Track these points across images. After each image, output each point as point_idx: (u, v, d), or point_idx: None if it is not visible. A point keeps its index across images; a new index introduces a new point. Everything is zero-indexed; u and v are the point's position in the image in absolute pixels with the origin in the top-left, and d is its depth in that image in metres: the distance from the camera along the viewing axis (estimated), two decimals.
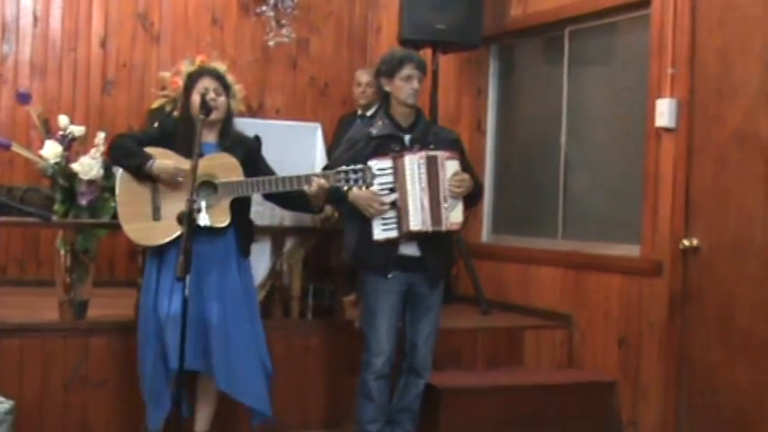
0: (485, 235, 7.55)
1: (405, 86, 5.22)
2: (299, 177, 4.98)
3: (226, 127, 5.09)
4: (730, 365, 5.28)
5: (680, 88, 5.63)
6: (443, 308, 5.96)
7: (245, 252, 5.11)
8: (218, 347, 4.86)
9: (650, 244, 5.81)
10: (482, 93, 7.59)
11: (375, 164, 5.05)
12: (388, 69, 5.28)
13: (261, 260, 5.80)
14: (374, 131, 5.26)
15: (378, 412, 5.29)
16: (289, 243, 5.90)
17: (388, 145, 5.18)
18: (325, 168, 5.20)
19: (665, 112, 5.66)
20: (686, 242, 5.51)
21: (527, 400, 5.85)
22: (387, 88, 5.29)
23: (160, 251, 4.95)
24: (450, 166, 5.20)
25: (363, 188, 4.97)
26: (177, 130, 5.03)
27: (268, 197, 5.25)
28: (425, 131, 5.30)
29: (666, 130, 5.69)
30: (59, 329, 5.38)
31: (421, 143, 5.21)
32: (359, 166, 4.92)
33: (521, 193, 7.31)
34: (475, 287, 7.00)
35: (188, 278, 4.22)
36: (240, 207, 5.01)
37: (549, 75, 7.04)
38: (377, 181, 4.99)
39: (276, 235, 5.84)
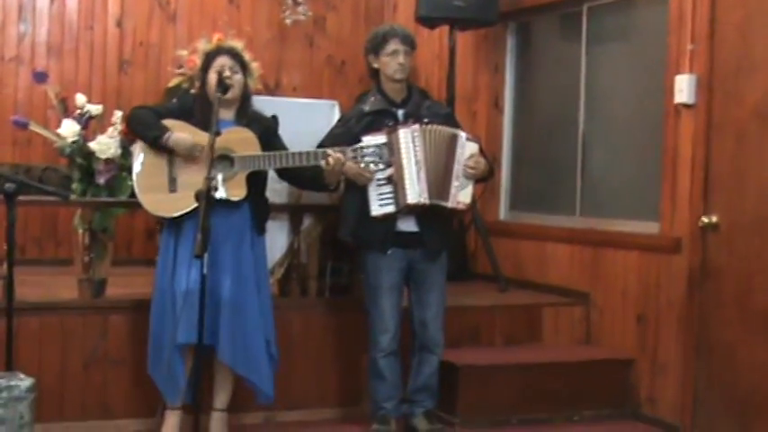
0: (502, 212, 7.53)
1: (391, 62, 5.24)
2: (315, 152, 5.00)
3: (243, 105, 5.10)
4: (749, 343, 5.25)
5: (699, 64, 5.60)
6: (461, 285, 5.98)
7: (259, 229, 5.12)
8: (226, 321, 4.87)
9: (669, 221, 5.79)
10: (499, 70, 7.56)
11: (369, 139, 5.05)
12: (373, 46, 5.31)
13: (278, 238, 5.81)
14: (366, 108, 5.28)
15: (391, 390, 5.32)
16: (306, 221, 5.90)
17: (382, 120, 5.20)
18: (318, 146, 5.19)
19: (684, 88, 5.63)
20: (705, 219, 5.48)
21: (545, 378, 5.87)
22: (375, 65, 5.33)
23: (177, 225, 4.97)
24: (470, 148, 5.21)
25: (380, 165, 4.99)
26: (194, 108, 5.05)
27: (282, 175, 5.25)
28: (418, 105, 5.31)
29: (685, 106, 5.67)
30: (78, 308, 5.40)
31: (415, 118, 5.22)
32: (377, 143, 4.94)
33: (538, 170, 7.29)
34: (492, 265, 6.99)
35: (206, 256, 4.23)
36: (256, 183, 5.02)
37: (567, 51, 7.01)
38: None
39: (294, 213, 5.84)
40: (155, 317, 5.01)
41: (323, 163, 4.96)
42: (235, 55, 5.09)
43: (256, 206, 5.06)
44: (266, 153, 4.97)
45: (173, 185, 4.94)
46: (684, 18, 5.70)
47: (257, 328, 5.01)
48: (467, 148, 5.19)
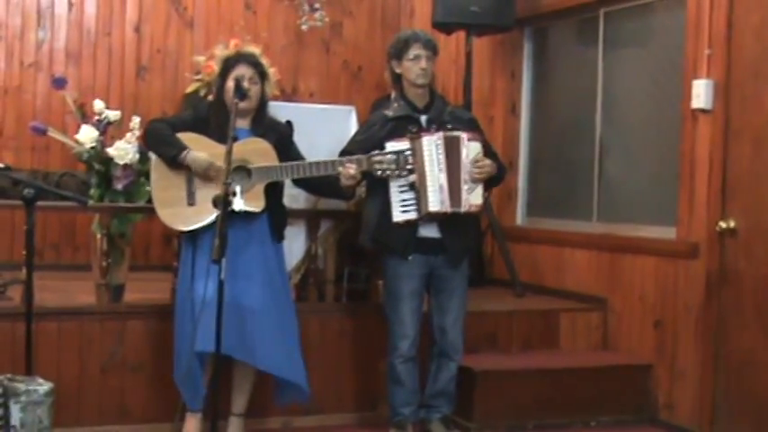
0: (519, 218, 7.53)
1: (413, 67, 5.22)
2: (333, 162, 4.99)
3: (259, 113, 5.10)
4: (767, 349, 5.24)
5: (716, 69, 5.59)
6: (478, 291, 5.95)
7: (278, 237, 5.12)
8: (255, 329, 4.87)
9: (686, 226, 5.78)
10: (516, 75, 7.56)
11: (392, 146, 5.05)
12: (396, 52, 5.29)
13: (295, 244, 5.81)
14: (390, 113, 5.26)
15: (409, 395, 5.31)
16: (323, 226, 5.90)
17: (405, 126, 5.18)
18: (342, 152, 5.20)
19: (701, 93, 5.62)
20: (723, 224, 5.47)
21: (562, 383, 5.86)
22: (397, 71, 5.31)
23: (195, 235, 4.97)
24: (473, 148, 5.17)
25: (395, 173, 4.98)
26: (210, 115, 5.05)
27: (297, 183, 5.25)
28: (441, 111, 5.29)
29: (703, 111, 5.66)
30: (96, 313, 5.41)
31: (438, 123, 5.20)
32: (392, 151, 4.94)
33: (555, 175, 7.28)
34: (509, 270, 6.99)
35: (223, 262, 4.23)
36: (273, 192, 5.02)
37: (584, 57, 7.00)
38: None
39: (311, 218, 5.84)
40: (176, 325, 5.03)
41: (339, 171, 4.96)
42: (255, 64, 5.08)
43: (274, 215, 5.06)
44: (283, 164, 4.97)
45: (191, 199, 4.94)
46: (701, 23, 5.69)
47: (285, 330, 5.02)
48: (470, 150, 5.17)
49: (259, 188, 4.92)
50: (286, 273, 5.26)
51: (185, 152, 4.88)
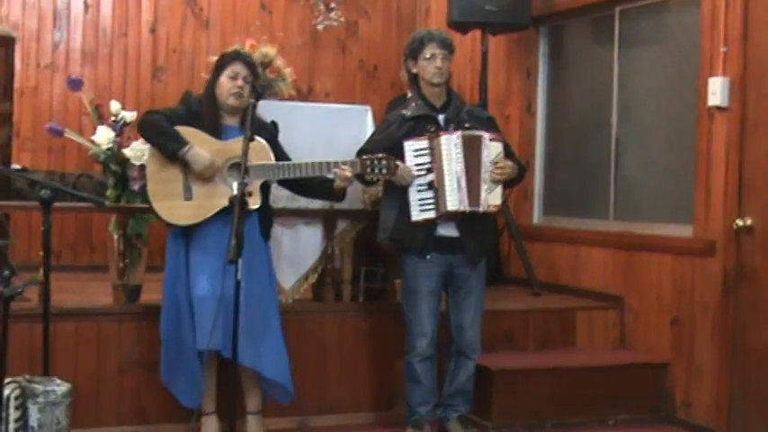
0: (536, 216, 7.52)
1: (428, 66, 5.22)
2: (328, 163, 4.98)
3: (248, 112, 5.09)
4: None
5: (732, 66, 5.57)
6: (494, 290, 5.94)
7: (266, 236, 5.11)
8: (244, 325, 4.82)
9: (703, 224, 5.76)
10: (532, 74, 7.55)
11: (411, 144, 5.08)
12: (411, 51, 5.30)
13: (312, 243, 5.81)
14: (407, 113, 5.26)
15: (426, 394, 5.31)
16: (340, 226, 5.90)
17: (423, 125, 5.18)
18: (359, 151, 5.21)
19: (717, 90, 5.61)
20: (740, 222, 5.45)
21: (579, 382, 5.85)
22: (414, 70, 5.31)
23: (186, 232, 4.96)
24: (494, 148, 5.18)
25: (388, 176, 4.98)
26: (201, 110, 5.04)
27: (284, 184, 5.23)
28: (459, 110, 5.29)
29: (719, 109, 5.64)
30: (113, 313, 5.43)
31: (456, 122, 5.20)
32: (384, 156, 4.95)
33: (571, 174, 7.27)
34: (526, 269, 6.98)
35: (240, 261, 4.23)
36: (265, 191, 5.02)
37: (600, 55, 6.99)
38: (414, 162, 5.06)
39: (328, 218, 5.84)
40: (169, 325, 5.02)
41: (335, 172, 4.96)
42: (250, 65, 5.07)
43: (263, 214, 5.05)
44: (281, 163, 4.97)
45: (188, 193, 4.92)
46: (717, 20, 5.67)
47: (273, 329, 5.01)
48: (491, 150, 5.17)
49: (255, 186, 4.89)
50: (274, 272, 5.23)
51: (187, 148, 4.86)
